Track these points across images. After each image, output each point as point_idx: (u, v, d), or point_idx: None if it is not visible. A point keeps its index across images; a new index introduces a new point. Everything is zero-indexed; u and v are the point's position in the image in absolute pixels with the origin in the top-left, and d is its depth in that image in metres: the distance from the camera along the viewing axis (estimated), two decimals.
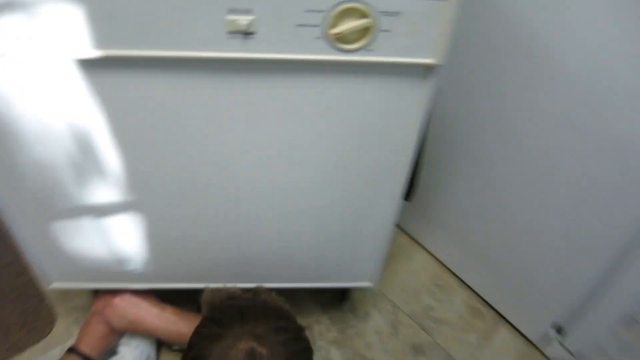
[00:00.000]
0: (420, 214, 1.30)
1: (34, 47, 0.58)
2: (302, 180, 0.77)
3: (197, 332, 0.68)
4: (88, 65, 0.61)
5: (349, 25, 0.58)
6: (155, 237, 0.85)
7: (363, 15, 0.58)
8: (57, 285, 0.93)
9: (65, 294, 1.15)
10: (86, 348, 0.94)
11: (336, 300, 1.19)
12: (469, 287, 1.26)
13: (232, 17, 0.56)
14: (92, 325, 0.97)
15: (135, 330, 0.98)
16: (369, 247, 0.90)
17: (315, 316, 1.16)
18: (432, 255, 1.32)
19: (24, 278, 1.17)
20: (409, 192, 1.00)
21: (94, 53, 0.59)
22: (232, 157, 0.72)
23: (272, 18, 0.57)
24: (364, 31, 0.59)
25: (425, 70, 0.64)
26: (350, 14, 0.58)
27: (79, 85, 0.62)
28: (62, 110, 0.65)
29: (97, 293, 1.01)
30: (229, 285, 0.79)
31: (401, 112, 0.69)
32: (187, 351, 0.66)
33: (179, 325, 0.95)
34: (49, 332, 1.09)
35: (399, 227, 1.38)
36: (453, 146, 1.12)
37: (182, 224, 0.82)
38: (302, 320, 1.10)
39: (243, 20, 0.56)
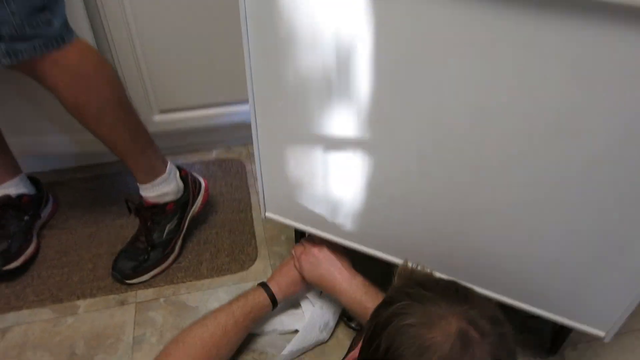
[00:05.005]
0: None
1: None
2: (558, 168, 0.64)
3: (401, 290, 0.60)
4: None
5: None
6: (372, 190, 0.81)
7: None
8: (270, 215, 0.97)
9: (271, 238, 1.21)
10: (275, 287, 0.97)
11: (544, 349, 0.99)
12: None
13: None
14: (287, 267, 1.00)
15: (322, 287, 0.96)
16: (614, 285, 0.71)
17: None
18: None
19: (244, 215, 1.28)
20: None
21: None
22: (484, 117, 0.64)
23: None
24: None
25: None
26: None
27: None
28: (333, 20, 0.66)
29: (299, 241, 1.03)
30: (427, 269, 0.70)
31: None
32: (382, 306, 0.59)
33: (364, 297, 0.90)
34: (247, 267, 1.15)
35: None
36: None
37: (404, 181, 0.77)
38: None
39: None
